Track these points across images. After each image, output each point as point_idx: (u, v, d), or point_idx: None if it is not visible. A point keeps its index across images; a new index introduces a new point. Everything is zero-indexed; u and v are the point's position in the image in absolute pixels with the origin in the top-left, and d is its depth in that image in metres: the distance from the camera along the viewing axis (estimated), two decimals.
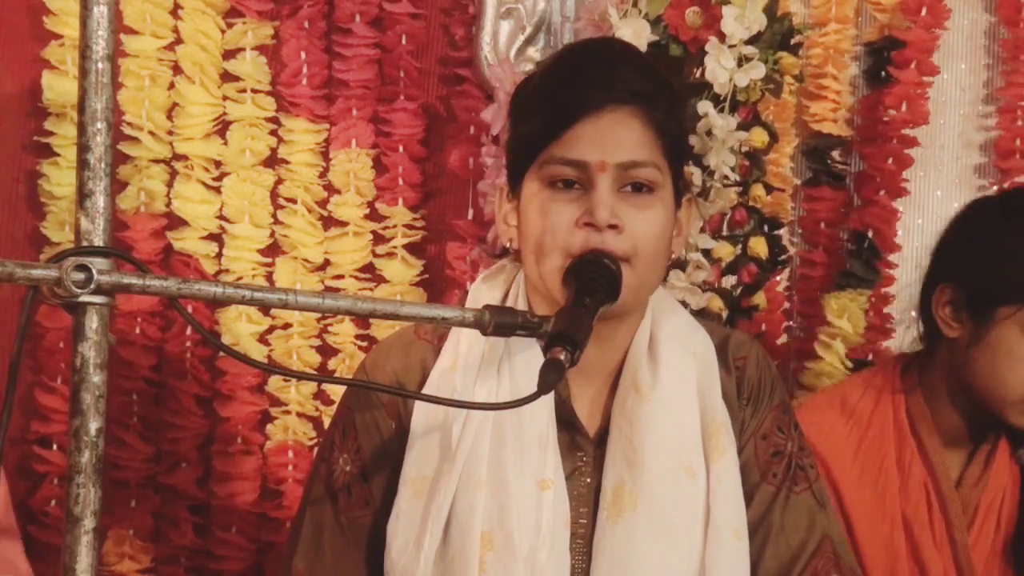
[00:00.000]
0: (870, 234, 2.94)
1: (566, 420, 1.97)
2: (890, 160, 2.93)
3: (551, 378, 1.72)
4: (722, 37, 2.70)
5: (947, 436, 2.41)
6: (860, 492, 2.22)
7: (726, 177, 2.71)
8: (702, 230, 2.73)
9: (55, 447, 2.82)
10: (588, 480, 1.97)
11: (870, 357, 2.94)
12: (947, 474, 2.39)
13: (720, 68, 2.68)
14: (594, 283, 1.84)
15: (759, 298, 2.81)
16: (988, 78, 3.05)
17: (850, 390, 2.46)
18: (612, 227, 1.87)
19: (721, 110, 2.70)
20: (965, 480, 2.40)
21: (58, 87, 2.81)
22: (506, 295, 2.02)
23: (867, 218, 2.94)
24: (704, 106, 2.69)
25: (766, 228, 2.86)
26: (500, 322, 1.77)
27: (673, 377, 1.98)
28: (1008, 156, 3.01)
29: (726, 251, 2.76)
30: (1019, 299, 2.32)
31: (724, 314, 2.74)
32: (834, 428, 2.36)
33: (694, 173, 2.69)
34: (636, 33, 2.67)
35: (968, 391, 2.38)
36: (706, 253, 2.74)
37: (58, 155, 2.82)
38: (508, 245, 2.00)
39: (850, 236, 2.97)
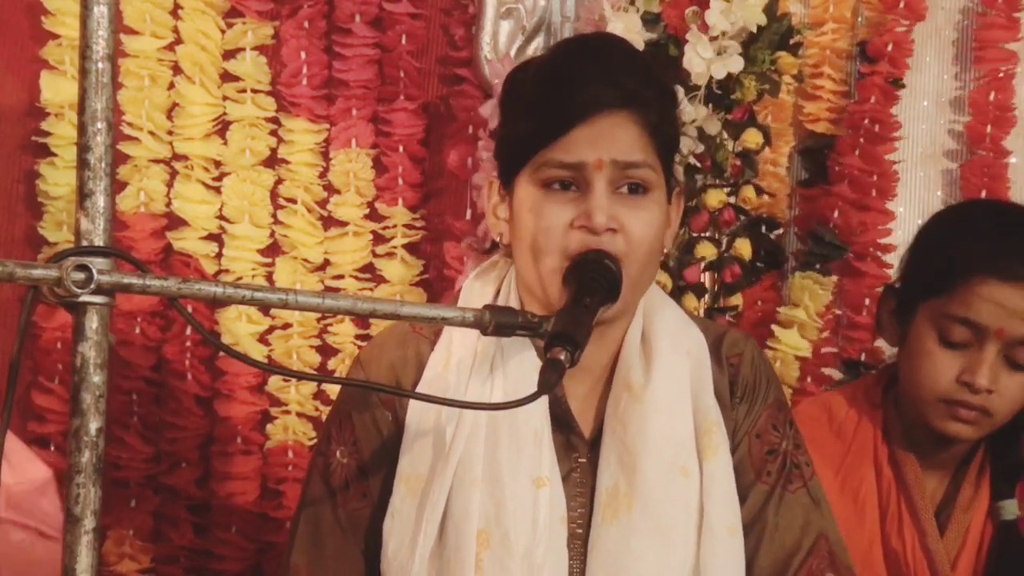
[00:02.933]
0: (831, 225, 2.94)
1: (562, 420, 1.97)
2: (856, 152, 2.93)
3: (551, 378, 1.72)
4: (706, 29, 2.70)
5: (924, 453, 2.39)
6: (841, 506, 2.21)
7: (689, 163, 2.71)
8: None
9: (52, 447, 2.83)
10: (583, 481, 1.97)
11: (862, 356, 2.93)
12: (921, 489, 2.37)
13: (697, 57, 2.68)
14: (594, 283, 1.84)
15: (736, 299, 2.82)
16: (968, 76, 3.05)
17: (836, 405, 2.45)
18: (610, 230, 1.88)
19: (693, 99, 2.69)
20: (958, 502, 2.38)
21: (56, 87, 2.81)
22: (498, 292, 2.01)
23: (823, 209, 2.94)
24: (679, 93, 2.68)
25: (764, 228, 2.86)
26: (500, 322, 1.77)
27: (666, 376, 1.97)
28: (979, 143, 3.00)
29: (709, 251, 2.77)
30: (929, 293, 2.32)
31: (699, 313, 2.75)
32: (820, 442, 2.35)
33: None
34: (628, 28, 2.67)
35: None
36: (688, 248, 2.75)
37: (55, 155, 2.82)
38: (498, 239, 2.01)
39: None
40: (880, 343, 2.91)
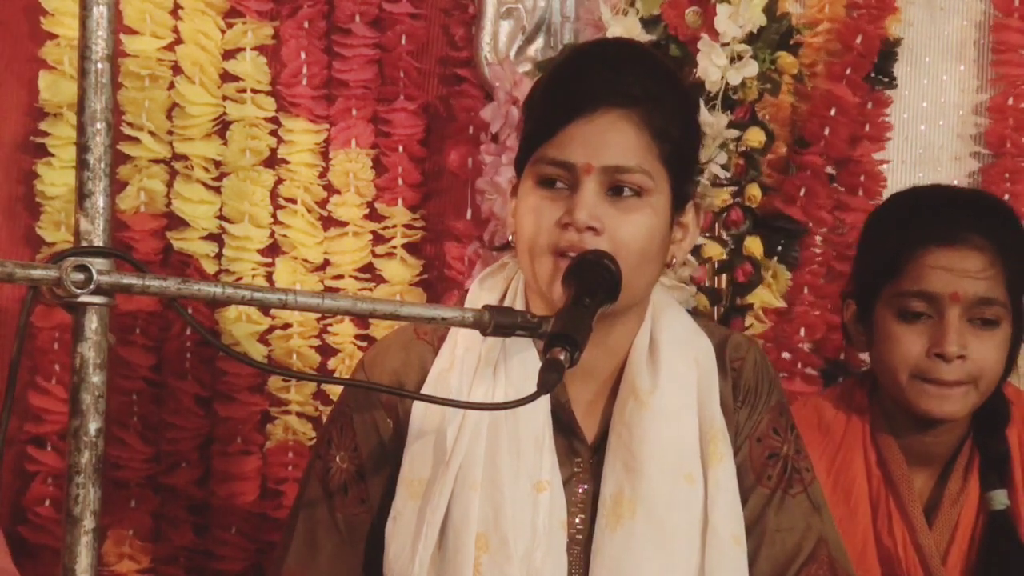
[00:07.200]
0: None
1: (565, 425, 1.97)
2: (823, 143, 2.91)
3: (551, 378, 1.72)
4: (716, 35, 2.70)
5: (912, 450, 2.40)
6: (834, 506, 2.22)
7: (716, 176, 2.71)
8: None
9: (49, 447, 2.83)
10: (585, 486, 1.97)
11: (841, 356, 2.92)
12: (908, 484, 2.38)
13: (712, 66, 2.68)
14: (594, 284, 1.84)
15: (753, 297, 2.82)
16: (986, 79, 3.05)
17: (825, 406, 2.47)
18: (591, 229, 1.87)
19: (712, 108, 2.70)
20: (945, 497, 2.39)
21: (55, 87, 2.80)
22: (504, 294, 2.01)
23: (806, 205, 2.93)
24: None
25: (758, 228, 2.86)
26: (499, 322, 1.77)
27: (673, 383, 1.97)
28: (1000, 147, 3.00)
29: (715, 251, 2.77)
30: (882, 282, 2.35)
31: (711, 313, 2.75)
32: (811, 443, 2.35)
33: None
34: (627, 31, 2.67)
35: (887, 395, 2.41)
36: (695, 250, 2.74)
37: (53, 155, 2.82)
38: (511, 239, 2.01)
39: None
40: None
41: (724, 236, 2.81)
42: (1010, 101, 2.99)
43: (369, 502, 1.99)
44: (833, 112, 2.90)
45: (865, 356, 2.60)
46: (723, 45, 2.69)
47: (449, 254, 2.90)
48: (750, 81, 2.73)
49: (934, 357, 2.31)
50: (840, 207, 2.93)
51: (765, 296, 2.88)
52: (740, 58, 2.70)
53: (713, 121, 2.68)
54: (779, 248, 2.90)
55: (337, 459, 2.00)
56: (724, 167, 2.74)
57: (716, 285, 2.83)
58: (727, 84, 2.71)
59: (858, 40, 2.90)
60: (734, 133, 2.71)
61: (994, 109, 3.00)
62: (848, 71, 2.90)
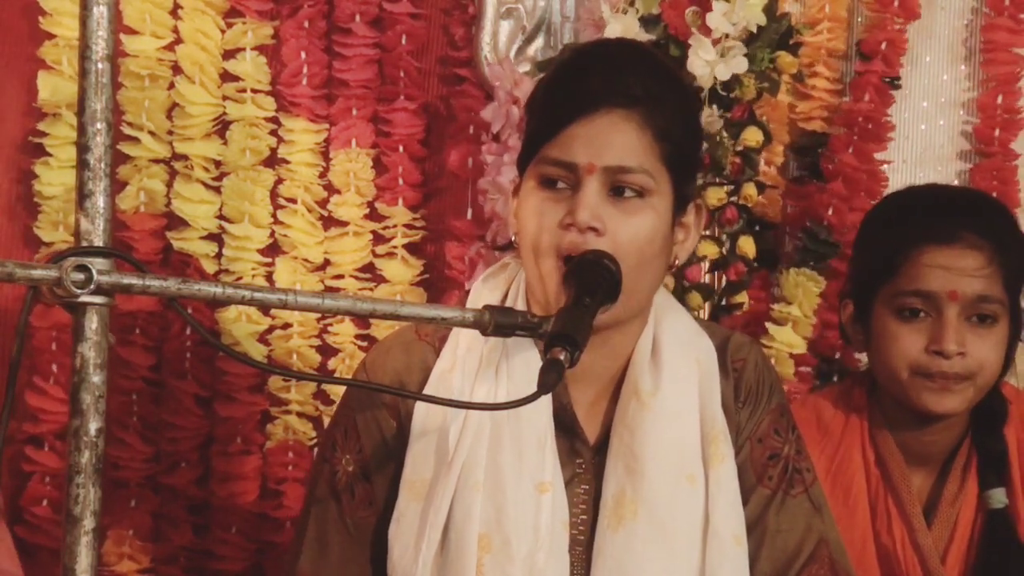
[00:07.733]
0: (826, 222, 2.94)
1: (567, 426, 1.97)
2: (850, 150, 2.93)
3: (551, 378, 1.72)
4: (708, 32, 2.70)
5: (911, 450, 2.41)
6: (832, 506, 2.23)
7: (715, 176, 2.72)
8: None
9: (46, 447, 2.83)
10: (586, 487, 1.97)
11: (837, 355, 2.92)
12: (907, 484, 2.38)
13: (700, 61, 2.68)
14: (594, 284, 1.84)
15: (742, 296, 2.82)
16: (977, 78, 3.05)
17: (824, 406, 2.48)
18: (592, 229, 1.87)
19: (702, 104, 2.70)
20: (944, 496, 2.40)
21: (53, 87, 2.79)
22: (506, 295, 2.01)
23: (817, 207, 2.93)
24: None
25: (757, 227, 2.86)
26: (500, 322, 1.77)
27: (675, 383, 1.97)
28: (988, 146, 3.01)
29: (711, 250, 2.77)
30: (879, 282, 2.36)
31: (703, 311, 2.75)
32: (810, 443, 2.35)
33: None
34: (626, 31, 2.67)
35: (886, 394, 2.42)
36: None
37: (50, 155, 2.81)
38: (513, 239, 2.01)
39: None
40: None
41: (719, 235, 2.81)
42: (999, 99, 3.00)
43: (376, 504, 1.99)
44: (862, 120, 2.92)
45: (862, 355, 2.61)
46: (714, 42, 2.69)
47: (450, 254, 2.90)
48: (747, 80, 2.73)
49: (933, 354, 2.32)
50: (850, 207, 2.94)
51: (787, 336, 2.88)
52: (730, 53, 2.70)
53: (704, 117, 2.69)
54: (810, 262, 2.91)
55: (343, 462, 2.00)
56: (719, 165, 2.75)
57: (711, 283, 2.83)
58: (717, 80, 2.71)
59: (883, 46, 2.91)
60: (717, 124, 2.71)
61: (981, 107, 3.01)
62: (876, 80, 2.92)
